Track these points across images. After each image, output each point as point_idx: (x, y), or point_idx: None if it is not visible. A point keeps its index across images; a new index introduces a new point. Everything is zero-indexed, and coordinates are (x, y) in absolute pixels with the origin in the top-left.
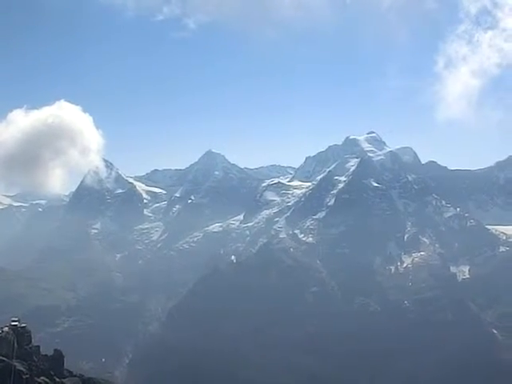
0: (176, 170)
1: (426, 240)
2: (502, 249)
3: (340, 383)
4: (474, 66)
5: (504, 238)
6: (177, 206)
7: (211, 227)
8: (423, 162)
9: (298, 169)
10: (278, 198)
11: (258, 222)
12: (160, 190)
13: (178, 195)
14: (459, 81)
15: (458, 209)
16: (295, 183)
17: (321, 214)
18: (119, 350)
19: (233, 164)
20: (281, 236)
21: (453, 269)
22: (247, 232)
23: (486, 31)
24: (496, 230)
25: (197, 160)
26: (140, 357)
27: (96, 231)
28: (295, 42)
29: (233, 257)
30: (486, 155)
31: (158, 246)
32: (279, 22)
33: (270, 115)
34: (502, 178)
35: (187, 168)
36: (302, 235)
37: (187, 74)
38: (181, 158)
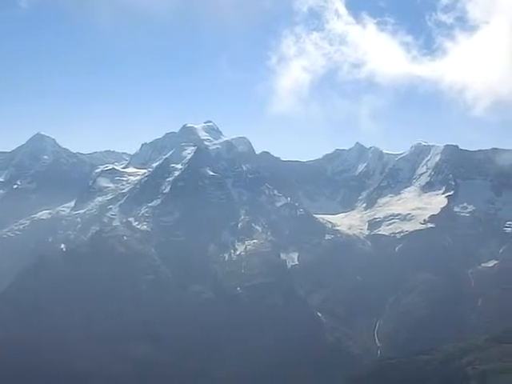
0: (0, 152)
1: (258, 228)
2: (327, 237)
3: (176, 370)
4: (303, 63)
5: (330, 226)
6: (0, 192)
7: (39, 214)
8: (257, 153)
9: (133, 155)
10: (112, 185)
11: (91, 209)
12: None
13: (1, 180)
14: (290, 77)
15: (289, 198)
16: (130, 170)
17: (156, 202)
18: None
19: (64, 148)
20: (114, 224)
21: (283, 256)
22: (78, 219)
23: (313, 32)
24: (323, 219)
25: (24, 143)
26: None
27: None
28: (133, 28)
29: (62, 245)
30: (316, 148)
31: None
32: (117, 4)
33: (104, 99)
34: (329, 169)
35: (13, 151)
36: (137, 223)
37: (17, 53)
38: (6, 140)
